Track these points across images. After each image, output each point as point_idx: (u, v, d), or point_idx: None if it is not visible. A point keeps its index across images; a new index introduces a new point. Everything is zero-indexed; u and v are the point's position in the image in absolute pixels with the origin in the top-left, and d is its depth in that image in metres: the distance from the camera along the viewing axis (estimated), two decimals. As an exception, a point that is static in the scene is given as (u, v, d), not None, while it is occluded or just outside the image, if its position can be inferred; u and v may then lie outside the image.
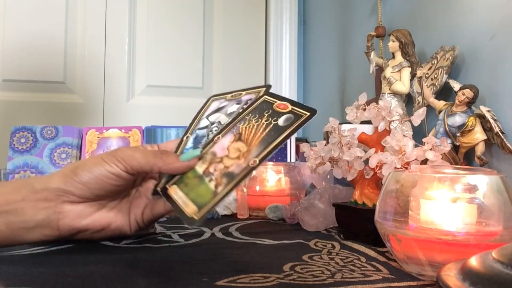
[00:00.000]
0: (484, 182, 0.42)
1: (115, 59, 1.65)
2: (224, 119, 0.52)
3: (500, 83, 0.70)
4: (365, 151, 0.59)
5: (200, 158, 0.47)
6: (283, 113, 0.48)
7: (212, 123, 0.52)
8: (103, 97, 1.64)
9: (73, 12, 1.62)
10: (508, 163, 0.68)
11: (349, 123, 0.64)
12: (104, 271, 0.41)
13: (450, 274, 0.32)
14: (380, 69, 0.95)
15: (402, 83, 0.85)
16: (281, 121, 0.47)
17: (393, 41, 0.86)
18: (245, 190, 0.81)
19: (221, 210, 0.82)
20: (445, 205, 0.42)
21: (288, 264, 0.46)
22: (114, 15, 1.66)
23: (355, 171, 0.60)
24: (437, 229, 0.41)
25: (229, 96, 0.55)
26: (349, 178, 0.61)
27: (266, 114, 0.48)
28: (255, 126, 0.47)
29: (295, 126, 0.45)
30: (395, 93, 0.86)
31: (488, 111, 0.67)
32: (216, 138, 0.49)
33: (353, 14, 1.30)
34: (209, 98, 0.58)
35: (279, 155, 1.07)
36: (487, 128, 0.68)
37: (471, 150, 0.71)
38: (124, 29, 1.66)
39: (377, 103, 0.60)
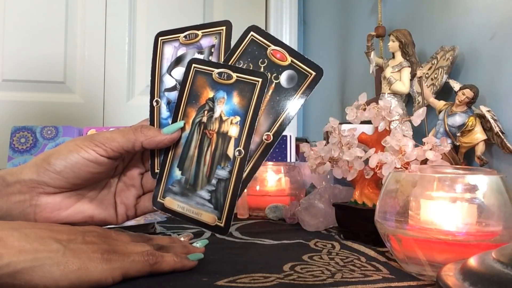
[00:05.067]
0: (484, 182, 0.42)
1: (115, 59, 1.65)
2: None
3: (500, 83, 0.70)
4: (365, 151, 0.59)
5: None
6: (283, 68, 0.42)
7: (180, 83, 0.45)
8: (103, 97, 1.64)
9: (73, 12, 1.62)
10: (508, 163, 0.67)
11: (349, 123, 0.64)
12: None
13: (450, 274, 0.32)
14: (380, 69, 0.95)
15: (402, 83, 0.85)
16: (283, 80, 0.42)
17: (393, 41, 0.86)
18: (245, 190, 0.81)
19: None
20: (445, 205, 0.42)
21: (288, 264, 0.46)
22: (114, 15, 1.66)
23: (355, 171, 0.60)
24: (437, 229, 0.41)
25: (182, 37, 0.47)
26: (349, 178, 0.61)
27: (262, 66, 0.43)
28: None
29: (302, 90, 0.41)
30: (395, 93, 0.86)
31: (488, 111, 0.67)
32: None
33: (353, 14, 1.30)
34: (157, 38, 0.48)
35: (279, 154, 1.07)
36: (487, 128, 0.68)
37: (471, 150, 0.70)
38: (124, 29, 1.66)
39: (377, 103, 0.60)
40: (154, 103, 0.47)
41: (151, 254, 0.40)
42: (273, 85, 0.43)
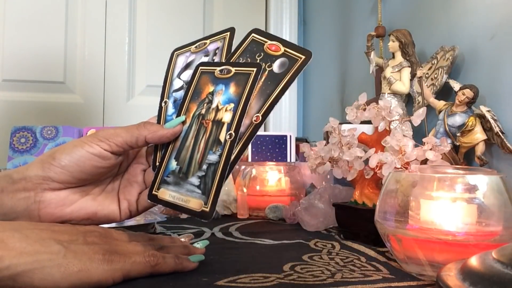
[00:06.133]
0: (484, 182, 0.42)
1: (115, 59, 1.65)
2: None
3: (500, 83, 0.70)
4: (365, 151, 0.59)
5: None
6: (277, 57, 0.45)
7: (187, 83, 0.49)
8: (103, 97, 1.64)
9: (73, 12, 1.62)
10: (508, 163, 0.67)
11: (349, 123, 0.64)
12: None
13: (450, 274, 0.33)
14: (380, 69, 0.95)
15: (402, 83, 0.85)
16: (275, 67, 0.45)
17: (393, 41, 0.86)
18: (245, 190, 0.81)
19: (221, 210, 0.82)
20: (445, 205, 0.42)
21: (288, 264, 0.46)
22: (114, 16, 1.65)
23: (355, 171, 0.60)
24: (437, 229, 0.41)
25: (193, 47, 0.51)
26: (349, 178, 0.61)
27: (258, 59, 0.46)
28: None
29: (292, 73, 0.43)
30: (395, 93, 0.86)
31: (488, 111, 0.67)
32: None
33: (353, 14, 1.30)
34: (172, 53, 0.53)
35: (279, 154, 1.07)
36: (487, 128, 0.68)
37: (471, 150, 0.70)
38: (124, 30, 1.66)
39: (377, 103, 0.60)
40: (163, 104, 0.49)
41: (152, 255, 0.40)
42: (266, 72, 0.45)
